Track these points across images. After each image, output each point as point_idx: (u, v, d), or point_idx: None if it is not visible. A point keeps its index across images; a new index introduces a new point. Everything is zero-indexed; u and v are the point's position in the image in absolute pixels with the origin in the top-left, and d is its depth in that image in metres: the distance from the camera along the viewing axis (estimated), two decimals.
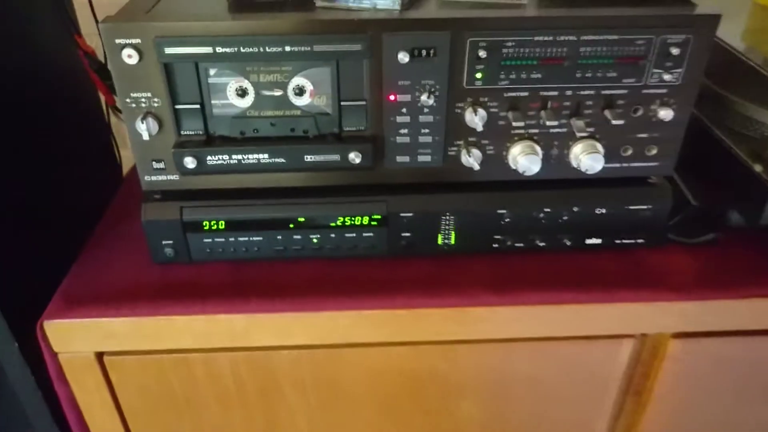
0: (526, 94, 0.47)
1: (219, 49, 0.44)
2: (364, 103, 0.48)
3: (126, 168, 0.79)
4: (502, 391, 0.58)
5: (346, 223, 0.52)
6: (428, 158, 0.50)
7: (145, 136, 0.46)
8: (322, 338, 0.53)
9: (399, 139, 0.49)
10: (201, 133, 0.48)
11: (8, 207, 0.53)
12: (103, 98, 0.70)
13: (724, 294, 0.52)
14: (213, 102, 0.47)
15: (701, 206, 0.58)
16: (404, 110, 0.48)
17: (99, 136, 0.75)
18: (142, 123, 0.46)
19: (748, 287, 0.53)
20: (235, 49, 0.44)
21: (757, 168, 0.54)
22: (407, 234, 0.53)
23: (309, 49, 0.44)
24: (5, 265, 0.51)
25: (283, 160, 0.48)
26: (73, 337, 0.52)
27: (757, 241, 0.57)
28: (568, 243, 0.55)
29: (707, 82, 0.64)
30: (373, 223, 0.53)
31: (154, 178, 0.50)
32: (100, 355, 0.53)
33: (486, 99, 0.47)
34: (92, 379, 0.54)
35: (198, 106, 0.47)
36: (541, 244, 0.55)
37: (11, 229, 0.53)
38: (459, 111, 0.48)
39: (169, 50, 0.44)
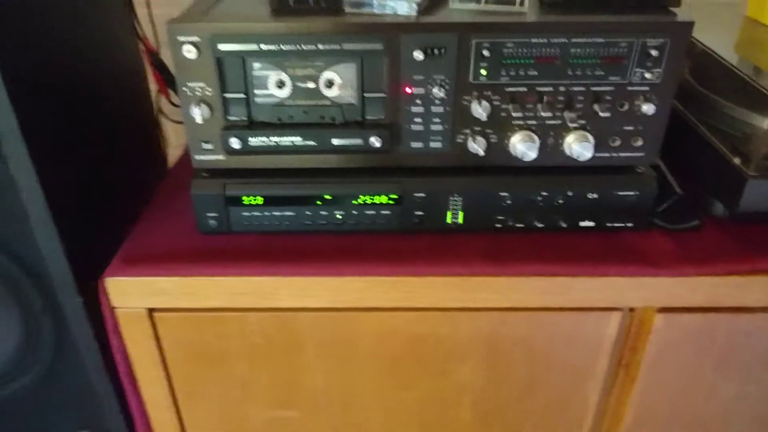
0: (524, 89, 0.55)
1: (262, 47, 0.52)
2: (383, 95, 0.55)
3: (171, 162, 0.88)
4: (500, 358, 0.64)
5: (366, 201, 0.60)
6: (439, 144, 0.57)
7: (198, 120, 0.55)
8: (340, 301, 0.60)
9: (414, 127, 0.57)
10: (245, 118, 0.56)
11: (77, 187, 0.61)
12: (153, 99, 0.80)
13: (703, 271, 0.58)
14: (256, 92, 0.55)
15: (687, 195, 0.64)
16: (418, 101, 0.55)
17: (150, 132, 0.84)
18: (197, 108, 0.54)
19: (725, 266, 0.59)
20: (276, 46, 0.52)
21: (736, 161, 0.60)
22: (419, 212, 0.61)
23: (338, 47, 0.52)
24: (73, 233, 0.59)
25: (313, 143, 0.56)
26: (128, 293, 0.60)
27: (737, 229, 0.62)
28: (564, 225, 0.62)
29: (698, 86, 0.70)
30: (389, 201, 0.60)
31: (203, 157, 0.58)
32: (150, 311, 0.61)
33: (489, 93, 0.55)
34: (142, 333, 0.62)
35: (243, 96, 0.55)
36: (539, 225, 0.61)
37: (79, 204, 0.62)
38: (466, 103, 0.55)
39: (221, 47, 0.53)
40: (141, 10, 0.75)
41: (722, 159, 0.62)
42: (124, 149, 0.73)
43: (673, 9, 0.55)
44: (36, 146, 0.53)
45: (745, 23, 0.77)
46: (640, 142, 0.57)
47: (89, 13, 0.65)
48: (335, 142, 0.56)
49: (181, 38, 0.52)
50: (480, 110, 0.54)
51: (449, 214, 0.61)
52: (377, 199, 0.60)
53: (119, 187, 0.71)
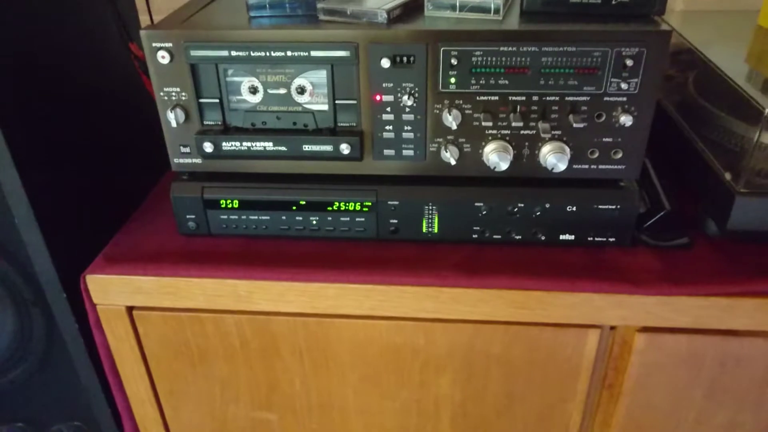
0: (496, 98, 0.54)
1: (233, 53, 0.53)
2: (355, 102, 0.55)
3: None
4: (477, 371, 0.63)
5: (341, 208, 0.60)
6: (411, 153, 0.57)
7: (173, 124, 0.56)
8: (315, 307, 0.60)
9: (385, 135, 0.56)
10: (219, 123, 0.57)
11: (63, 186, 0.63)
12: None
13: (686, 291, 0.56)
14: (230, 98, 0.56)
15: (678, 212, 0.61)
16: (389, 109, 0.55)
17: (151, 136, 0.86)
18: (172, 113, 0.56)
19: (711, 287, 0.56)
20: (247, 53, 0.53)
21: (727, 176, 0.57)
22: (394, 220, 0.60)
23: (306, 54, 0.53)
24: (59, 232, 0.61)
25: (284, 149, 0.57)
26: (109, 291, 0.62)
27: (730, 248, 0.59)
28: (542, 237, 0.60)
29: (698, 98, 0.67)
30: (364, 209, 0.60)
31: (181, 160, 0.60)
32: (130, 309, 0.63)
33: (461, 101, 0.54)
34: (123, 329, 0.64)
35: (217, 101, 0.56)
36: (517, 237, 0.60)
37: (65, 204, 0.64)
38: (437, 111, 0.55)
39: (194, 53, 0.54)
40: (143, 18, 0.77)
41: (714, 174, 0.59)
42: (119, 152, 0.74)
43: (657, 18, 0.53)
44: (20, 150, 0.55)
45: (757, 32, 0.74)
46: (620, 155, 0.55)
47: (76, 16, 0.67)
48: (306, 148, 0.56)
49: (155, 44, 0.53)
50: (450, 119, 0.54)
51: (424, 224, 0.60)
52: (352, 206, 0.60)
53: (115, 187, 0.73)
